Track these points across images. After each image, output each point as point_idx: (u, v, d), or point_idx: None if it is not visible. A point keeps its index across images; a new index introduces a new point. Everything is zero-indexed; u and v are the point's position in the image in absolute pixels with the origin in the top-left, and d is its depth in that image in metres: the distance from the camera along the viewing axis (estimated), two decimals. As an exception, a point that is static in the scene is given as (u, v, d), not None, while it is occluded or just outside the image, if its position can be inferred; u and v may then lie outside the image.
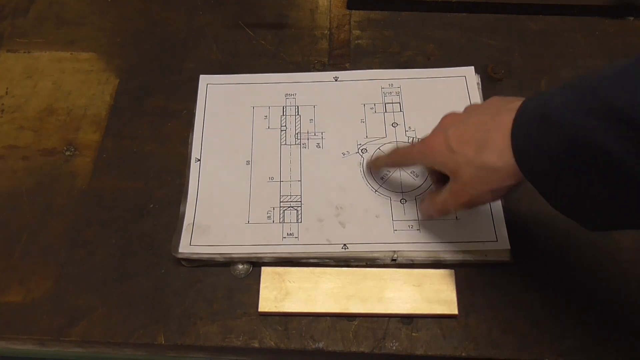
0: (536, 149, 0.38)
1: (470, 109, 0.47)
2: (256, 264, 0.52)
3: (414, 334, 0.48)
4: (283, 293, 0.50)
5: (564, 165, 0.36)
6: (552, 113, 0.36)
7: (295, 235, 0.52)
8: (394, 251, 0.51)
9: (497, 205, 0.53)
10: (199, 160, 0.57)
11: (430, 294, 0.49)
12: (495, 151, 0.40)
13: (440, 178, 0.49)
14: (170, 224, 0.54)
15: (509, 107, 0.41)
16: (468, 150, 0.43)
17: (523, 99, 0.40)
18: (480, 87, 0.61)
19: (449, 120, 0.46)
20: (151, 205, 0.55)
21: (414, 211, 0.53)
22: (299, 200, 0.54)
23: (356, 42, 0.66)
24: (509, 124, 0.40)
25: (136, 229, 0.54)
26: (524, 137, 0.38)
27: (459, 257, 0.51)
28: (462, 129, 0.44)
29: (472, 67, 0.62)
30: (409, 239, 0.52)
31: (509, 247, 0.51)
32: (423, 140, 0.48)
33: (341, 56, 0.65)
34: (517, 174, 0.39)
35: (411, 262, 0.51)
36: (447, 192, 0.46)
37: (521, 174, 0.39)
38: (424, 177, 0.55)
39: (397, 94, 0.61)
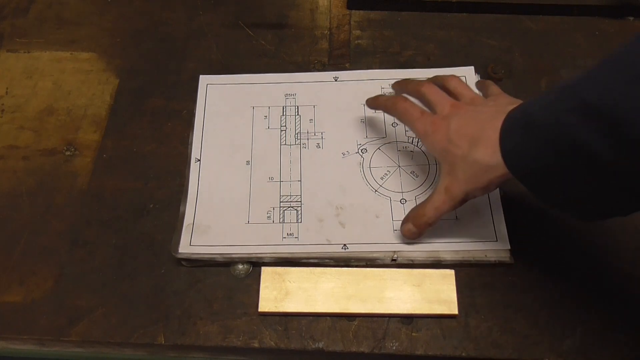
0: (522, 151, 0.40)
1: (479, 101, 0.48)
2: (256, 264, 0.52)
3: (414, 334, 0.48)
4: (283, 293, 0.50)
5: (548, 163, 0.38)
6: (534, 115, 0.39)
7: (295, 235, 0.52)
8: (394, 251, 0.51)
9: (497, 205, 0.53)
10: (199, 160, 0.57)
11: (430, 294, 0.49)
12: (488, 148, 0.42)
13: None
14: (170, 224, 0.54)
15: (507, 110, 0.42)
16: (464, 144, 0.44)
17: (522, 102, 0.42)
18: (480, 87, 0.61)
19: (458, 110, 0.47)
20: (151, 205, 0.55)
21: (414, 211, 0.53)
22: (299, 200, 0.54)
23: (356, 42, 0.66)
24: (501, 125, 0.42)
25: (136, 229, 0.54)
26: (510, 141, 0.41)
27: (459, 257, 0.51)
28: (464, 122, 0.45)
29: (472, 67, 0.62)
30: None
31: (509, 247, 0.51)
32: (433, 119, 0.48)
33: (341, 56, 0.65)
34: (507, 170, 0.42)
35: (411, 263, 0.51)
36: (442, 191, 0.46)
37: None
38: (424, 177, 0.55)
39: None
